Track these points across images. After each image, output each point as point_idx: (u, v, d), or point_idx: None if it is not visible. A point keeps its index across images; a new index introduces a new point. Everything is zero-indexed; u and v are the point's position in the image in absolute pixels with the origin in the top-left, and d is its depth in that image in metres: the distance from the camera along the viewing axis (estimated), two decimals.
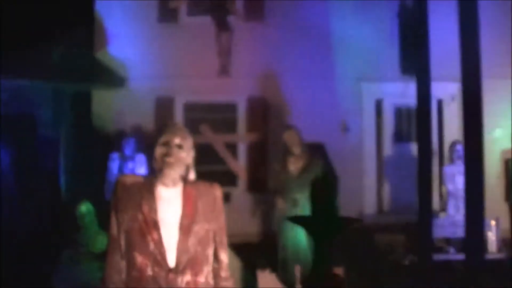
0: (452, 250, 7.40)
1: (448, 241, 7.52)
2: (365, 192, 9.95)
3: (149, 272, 3.18)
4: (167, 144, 3.27)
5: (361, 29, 9.54)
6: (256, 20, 10.08)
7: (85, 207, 6.19)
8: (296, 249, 6.66)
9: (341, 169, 8.86)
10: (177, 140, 3.27)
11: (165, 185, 3.25)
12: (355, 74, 9.86)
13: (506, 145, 9.39)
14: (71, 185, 9.19)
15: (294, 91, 9.87)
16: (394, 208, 9.86)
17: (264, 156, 9.78)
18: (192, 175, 3.34)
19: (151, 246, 3.19)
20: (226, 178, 9.76)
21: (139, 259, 3.19)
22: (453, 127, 9.62)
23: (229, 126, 10.27)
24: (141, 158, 8.66)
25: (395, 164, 9.94)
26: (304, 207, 6.52)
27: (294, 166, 6.83)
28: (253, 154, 10.05)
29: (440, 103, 9.93)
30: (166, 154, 3.24)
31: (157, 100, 10.09)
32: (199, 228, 3.24)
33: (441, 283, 6.49)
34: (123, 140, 8.79)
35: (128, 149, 8.68)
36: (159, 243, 3.18)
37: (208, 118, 10.14)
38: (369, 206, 9.94)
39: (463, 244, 7.33)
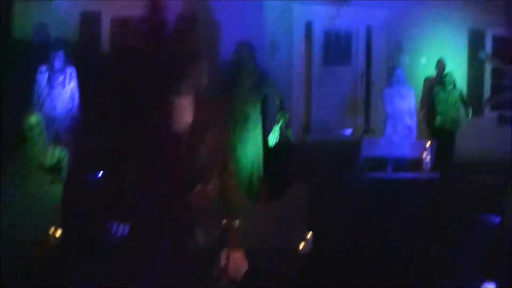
0: (388, 169, 7.68)
1: (385, 160, 7.78)
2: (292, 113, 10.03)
3: None
4: None
5: None
6: None
7: (34, 118, 5.91)
8: None
9: None
10: None
11: None
12: None
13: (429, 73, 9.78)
14: None
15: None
16: (320, 129, 10.03)
17: None
18: None
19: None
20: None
21: None
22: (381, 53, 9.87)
23: None
24: (71, 71, 8.37)
25: (323, 86, 10.07)
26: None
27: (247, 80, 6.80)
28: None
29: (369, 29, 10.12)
30: None
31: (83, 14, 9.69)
32: None
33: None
34: (51, 53, 8.42)
35: (57, 62, 8.34)
36: None
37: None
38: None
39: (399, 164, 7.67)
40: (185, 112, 3.24)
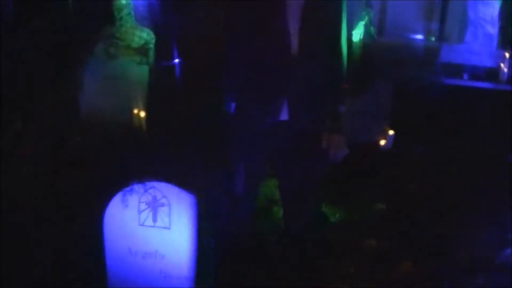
0: (464, 76, 7.60)
1: (462, 67, 7.69)
2: None
3: None
4: None
5: None
6: None
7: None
8: None
9: None
10: None
11: None
12: None
13: None
14: None
15: None
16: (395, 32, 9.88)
17: None
18: None
19: None
20: None
21: None
22: None
23: None
24: None
25: None
26: None
27: None
28: None
29: None
30: None
31: None
32: None
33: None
34: None
35: None
36: None
37: None
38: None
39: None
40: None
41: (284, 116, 3.23)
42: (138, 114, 5.65)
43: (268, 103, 3.22)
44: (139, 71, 5.75)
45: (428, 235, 4.03)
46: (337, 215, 4.42)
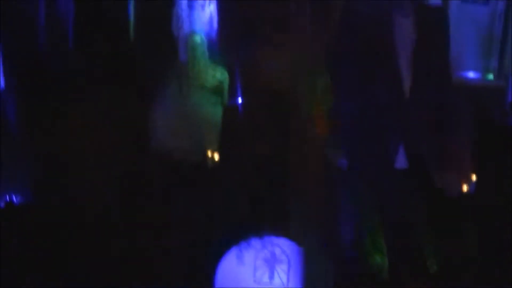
0: None
1: None
2: None
3: None
4: None
5: None
6: None
7: (199, 38, 5.95)
8: None
9: None
10: None
11: None
12: None
13: None
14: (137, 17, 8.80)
15: None
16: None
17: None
18: None
19: None
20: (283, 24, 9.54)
21: None
22: None
23: None
24: None
25: (459, 24, 9.77)
26: None
27: None
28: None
29: None
30: None
31: None
32: None
33: None
34: None
35: None
36: None
37: None
38: None
39: None
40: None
41: (400, 164, 3.16)
42: (211, 157, 5.58)
43: (384, 152, 3.14)
44: (213, 111, 5.69)
45: None
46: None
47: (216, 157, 5.53)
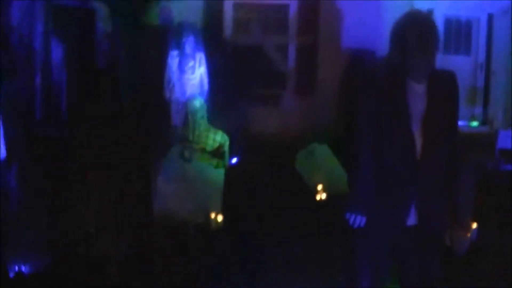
0: None
1: None
2: None
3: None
4: None
5: None
6: None
7: (198, 102, 6.04)
8: None
9: None
10: None
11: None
12: None
13: None
14: (128, 82, 8.92)
15: None
16: None
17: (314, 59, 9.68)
18: None
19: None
20: (275, 80, 9.70)
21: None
22: (502, 41, 9.69)
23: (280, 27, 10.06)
24: (201, 56, 8.49)
25: None
26: None
27: None
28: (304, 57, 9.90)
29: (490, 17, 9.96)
30: None
31: None
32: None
33: None
34: (182, 38, 8.57)
35: (188, 48, 8.48)
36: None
37: (258, 18, 9.93)
38: None
39: None
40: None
41: (411, 221, 3.23)
42: (214, 219, 5.54)
43: (397, 210, 3.22)
44: (215, 174, 5.71)
45: None
46: None
47: (220, 218, 5.54)
